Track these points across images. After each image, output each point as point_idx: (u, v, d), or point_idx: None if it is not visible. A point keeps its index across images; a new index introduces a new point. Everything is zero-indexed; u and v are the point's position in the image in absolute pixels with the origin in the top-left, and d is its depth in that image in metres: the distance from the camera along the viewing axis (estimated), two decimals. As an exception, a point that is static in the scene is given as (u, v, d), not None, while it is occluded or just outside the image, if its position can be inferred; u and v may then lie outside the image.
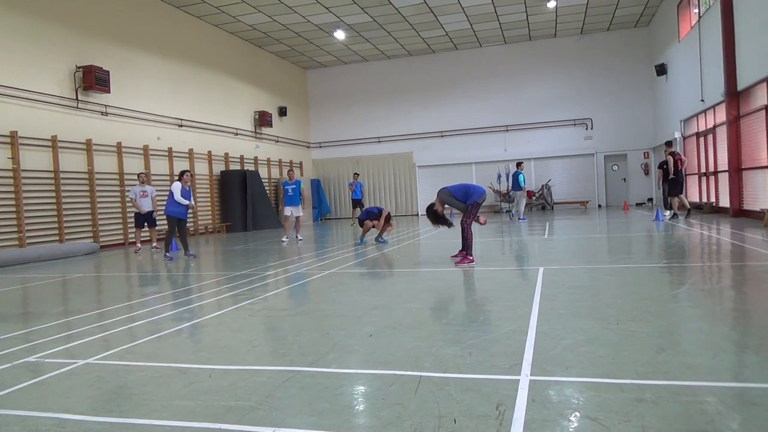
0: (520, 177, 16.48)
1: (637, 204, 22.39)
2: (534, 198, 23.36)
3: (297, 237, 13.28)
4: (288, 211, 13.12)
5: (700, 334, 3.57)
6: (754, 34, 12.21)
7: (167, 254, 10.50)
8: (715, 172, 15.42)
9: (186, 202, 10.36)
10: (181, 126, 17.24)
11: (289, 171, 13.90)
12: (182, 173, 10.64)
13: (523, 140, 23.72)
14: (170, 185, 10.88)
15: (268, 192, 20.87)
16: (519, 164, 17.19)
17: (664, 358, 3.07)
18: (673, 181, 13.79)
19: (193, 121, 17.76)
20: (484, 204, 8.12)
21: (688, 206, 13.98)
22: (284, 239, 13.14)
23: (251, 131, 21.21)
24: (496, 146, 23.96)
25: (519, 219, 16.45)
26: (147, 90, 15.86)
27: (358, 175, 20.75)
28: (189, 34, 17.94)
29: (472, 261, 7.45)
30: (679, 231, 10.78)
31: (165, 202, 10.68)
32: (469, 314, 4.64)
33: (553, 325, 3.92)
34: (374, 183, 25.37)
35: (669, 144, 14.66)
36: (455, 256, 7.87)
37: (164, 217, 10.82)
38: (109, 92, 14.07)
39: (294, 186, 13.11)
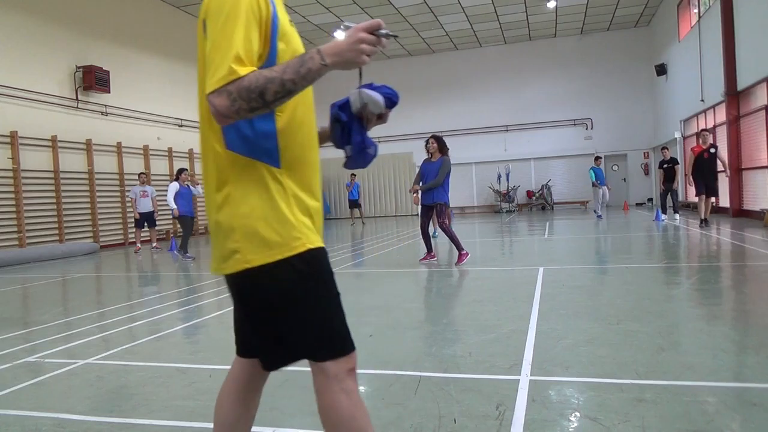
0: (591, 173, 15.84)
1: (637, 204, 22.40)
2: (534, 198, 23.38)
3: None
4: None
5: (700, 334, 3.57)
6: (754, 34, 12.21)
7: (188, 255, 10.16)
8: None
9: (173, 206, 10.15)
10: (181, 126, 17.24)
11: None
12: (179, 172, 10.56)
13: (523, 140, 23.72)
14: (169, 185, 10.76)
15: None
16: (595, 159, 16.55)
17: (664, 358, 3.07)
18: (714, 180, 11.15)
19: (193, 121, 17.74)
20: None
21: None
22: None
23: (251, 131, 21.19)
24: (496, 146, 23.96)
25: (596, 215, 15.96)
26: (147, 90, 15.86)
27: (355, 175, 20.69)
28: (189, 34, 17.92)
29: (467, 254, 7.57)
30: (680, 231, 10.78)
31: (166, 203, 10.60)
32: (469, 314, 4.63)
33: (553, 325, 3.92)
34: (374, 183, 25.37)
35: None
36: (424, 259, 7.94)
37: (165, 217, 10.72)
38: (109, 92, 14.07)
39: None
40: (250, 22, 1.34)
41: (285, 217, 1.42)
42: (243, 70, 1.30)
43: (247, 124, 1.41)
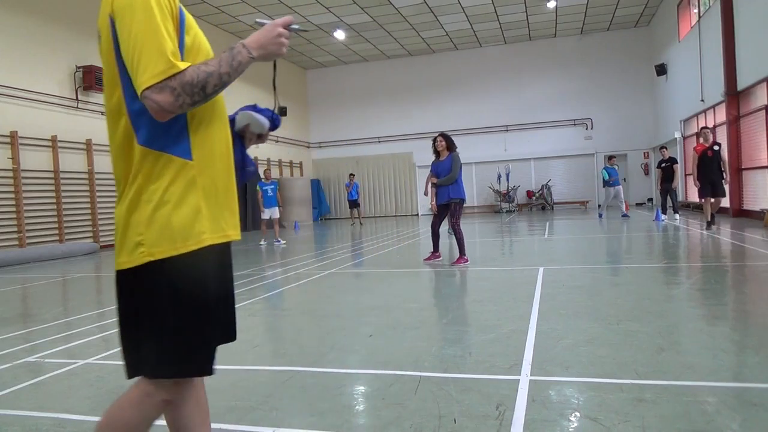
0: (603, 172, 15.50)
1: (637, 204, 22.40)
2: (534, 198, 23.38)
3: (277, 241, 12.62)
4: (267, 213, 12.66)
5: (700, 334, 3.57)
6: (754, 34, 12.21)
7: None
8: (715, 172, 15.37)
9: None
10: (181, 126, 17.22)
11: (266, 170, 13.43)
12: None
13: (523, 140, 23.72)
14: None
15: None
16: (609, 159, 16.13)
17: (664, 358, 3.07)
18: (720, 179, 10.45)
19: (193, 121, 17.74)
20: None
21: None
22: (263, 242, 12.66)
23: (251, 131, 21.19)
24: (496, 146, 23.96)
25: (598, 215, 15.81)
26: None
27: (354, 175, 20.64)
28: (189, 34, 17.93)
29: (467, 261, 7.45)
30: (680, 231, 10.78)
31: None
32: (469, 314, 4.64)
33: (553, 325, 3.92)
34: (374, 183, 25.37)
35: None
36: (428, 259, 7.86)
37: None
38: (109, 92, 14.05)
39: (273, 186, 12.72)
40: (166, 17, 1.37)
41: (193, 210, 1.43)
42: (182, 65, 1.33)
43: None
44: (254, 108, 1.74)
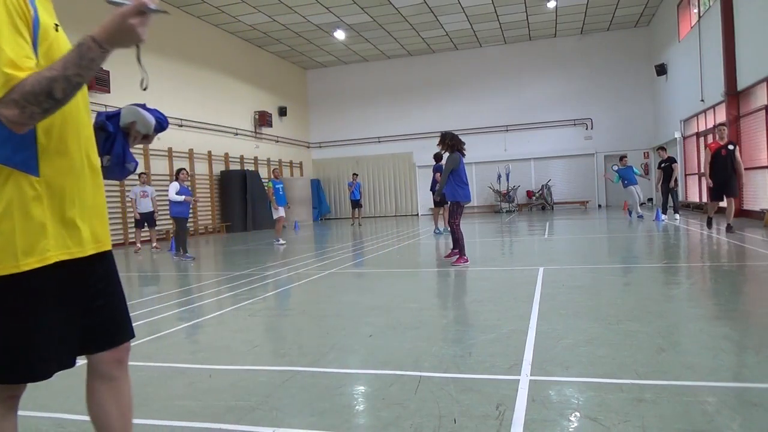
0: (616, 176, 14.71)
1: (637, 204, 22.37)
2: (534, 198, 23.38)
3: (278, 240, 12.47)
4: (282, 211, 12.57)
5: (700, 334, 3.57)
6: (754, 34, 12.21)
7: (187, 255, 10.13)
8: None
9: (180, 198, 10.09)
10: (181, 126, 17.23)
11: (274, 170, 13.49)
12: (178, 171, 10.54)
13: (523, 140, 23.73)
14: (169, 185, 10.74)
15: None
16: (620, 159, 15.03)
17: (664, 358, 3.07)
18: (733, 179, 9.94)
19: (193, 121, 17.75)
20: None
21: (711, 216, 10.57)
22: (282, 241, 12.51)
23: (251, 131, 21.20)
24: (496, 146, 23.95)
25: (636, 216, 14.69)
26: (147, 90, 15.80)
27: (357, 175, 20.61)
28: (189, 34, 17.93)
29: (467, 261, 7.43)
30: (679, 231, 10.78)
31: (166, 203, 10.53)
32: (469, 314, 4.64)
33: (553, 325, 3.92)
34: (374, 183, 25.37)
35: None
36: (448, 256, 7.89)
37: (165, 217, 10.63)
38: (109, 92, 14.06)
39: (281, 185, 12.77)
40: (17, 25, 1.31)
41: (36, 227, 1.37)
42: (21, 74, 1.27)
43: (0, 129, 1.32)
44: (143, 107, 1.72)
